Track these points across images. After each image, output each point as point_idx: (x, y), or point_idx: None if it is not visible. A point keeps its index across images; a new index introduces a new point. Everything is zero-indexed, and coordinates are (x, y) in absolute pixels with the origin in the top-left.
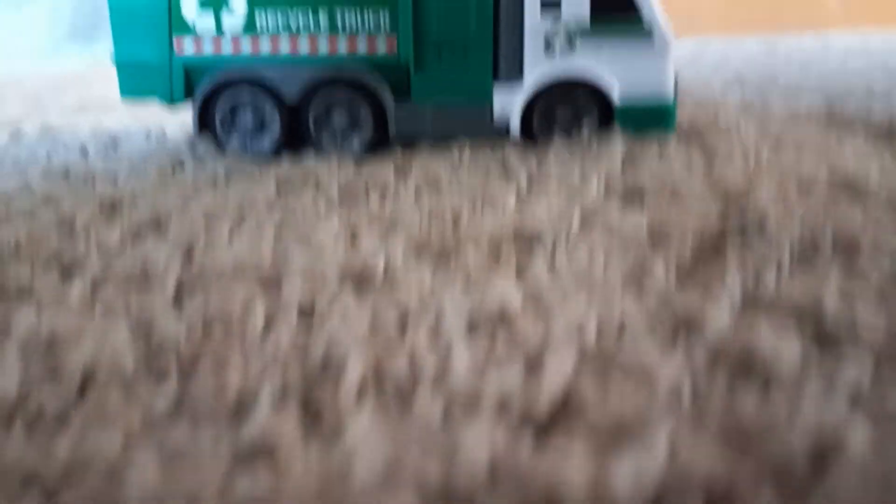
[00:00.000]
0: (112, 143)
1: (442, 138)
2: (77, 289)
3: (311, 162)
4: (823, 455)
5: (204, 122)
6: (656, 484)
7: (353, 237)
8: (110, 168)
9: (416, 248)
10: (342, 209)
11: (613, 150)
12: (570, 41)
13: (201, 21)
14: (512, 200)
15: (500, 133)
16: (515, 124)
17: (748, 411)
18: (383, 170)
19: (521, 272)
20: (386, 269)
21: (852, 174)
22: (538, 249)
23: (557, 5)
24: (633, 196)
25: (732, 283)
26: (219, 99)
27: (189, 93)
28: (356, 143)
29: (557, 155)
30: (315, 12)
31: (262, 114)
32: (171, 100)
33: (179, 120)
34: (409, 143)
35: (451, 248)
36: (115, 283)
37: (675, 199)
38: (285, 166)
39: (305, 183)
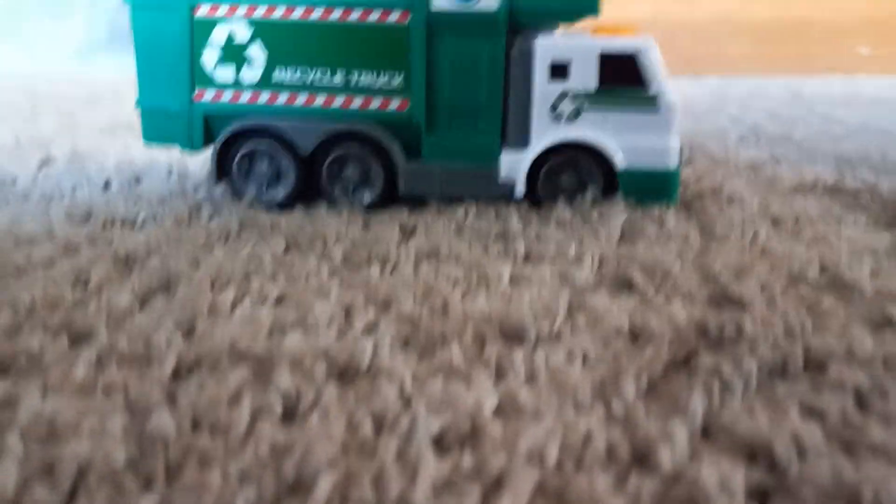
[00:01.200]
0: (135, 179)
1: (449, 197)
2: (83, 364)
3: (321, 216)
4: None
5: (222, 169)
6: None
7: (348, 316)
8: (130, 211)
9: (404, 337)
10: (343, 279)
11: (613, 221)
12: (577, 108)
13: (222, 73)
14: (507, 278)
15: (506, 194)
16: (521, 187)
17: None
18: (388, 231)
19: (500, 374)
20: (371, 362)
21: (842, 271)
22: (519, 348)
23: (565, 74)
24: (623, 282)
25: (694, 411)
26: (237, 148)
27: (208, 140)
28: (367, 197)
29: (558, 223)
30: (332, 72)
31: (277, 164)
32: (191, 147)
33: (202, 156)
34: (418, 198)
35: (437, 339)
36: (119, 359)
37: (663, 289)
38: (296, 220)
39: (312, 242)
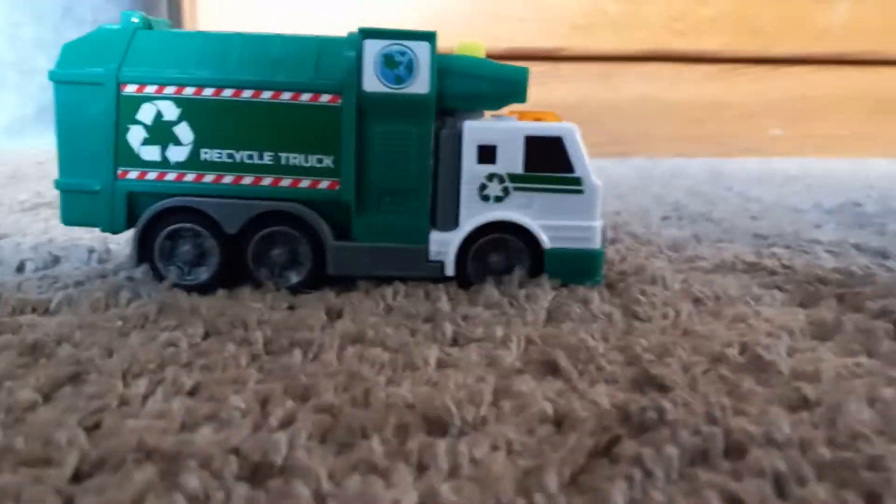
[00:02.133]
0: (52, 260)
1: (379, 277)
2: None
3: (244, 298)
4: None
5: (144, 250)
6: None
7: (264, 408)
8: (44, 295)
9: (322, 430)
10: (262, 367)
11: (539, 302)
12: (504, 190)
13: (147, 152)
14: (433, 362)
15: (436, 274)
16: (450, 266)
17: None
18: (314, 314)
19: (421, 468)
20: (286, 459)
21: (761, 351)
22: (442, 439)
23: (493, 157)
24: (548, 365)
25: (614, 497)
26: (160, 228)
27: (131, 222)
28: (293, 278)
29: (487, 303)
30: (261, 152)
31: (201, 244)
32: (112, 228)
33: (124, 237)
34: (346, 279)
35: (357, 431)
36: (15, 461)
37: (588, 372)
38: (218, 303)
39: (233, 327)
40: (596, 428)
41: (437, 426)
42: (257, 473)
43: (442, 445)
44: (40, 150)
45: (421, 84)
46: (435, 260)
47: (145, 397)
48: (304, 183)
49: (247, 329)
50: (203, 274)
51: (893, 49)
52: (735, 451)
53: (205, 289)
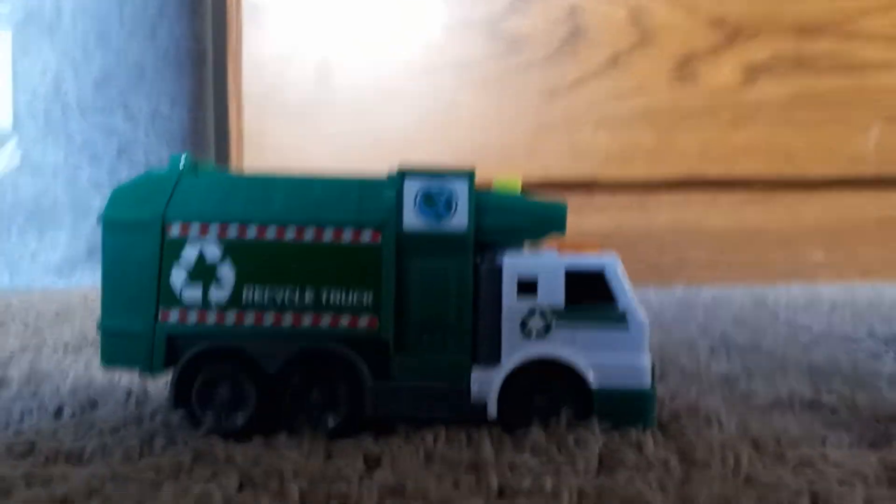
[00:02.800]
0: (90, 405)
1: (419, 419)
2: None
3: (280, 446)
4: None
5: (181, 394)
6: None
7: None
8: (78, 443)
9: None
10: None
11: (590, 448)
12: (547, 325)
13: (189, 293)
14: None
15: (478, 415)
16: (492, 407)
17: None
18: (351, 463)
19: None
20: None
21: (834, 501)
22: None
23: (534, 291)
24: None
25: None
26: (198, 371)
27: (169, 363)
28: (331, 421)
29: (533, 449)
30: (302, 290)
31: (239, 388)
32: (150, 369)
33: (163, 380)
34: (385, 423)
35: None
36: None
37: None
38: (253, 451)
39: (268, 478)
40: None
41: None
42: None
43: None
44: (89, 287)
45: (460, 220)
46: (477, 399)
47: None
48: (344, 321)
49: (282, 481)
50: (240, 418)
51: None
52: None
53: (241, 435)
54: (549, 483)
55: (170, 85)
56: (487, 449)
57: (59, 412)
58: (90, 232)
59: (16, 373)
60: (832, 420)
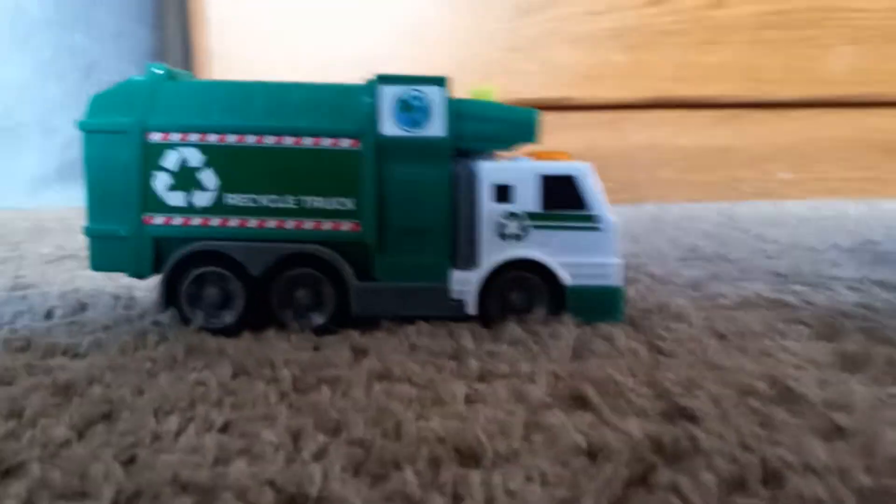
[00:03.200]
0: (79, 307)
1: (402, 317)
2: (12, 502)
3: (270, 340)
4: None
5: (170, 295)
6: None
7: (296, 442)
8: (73, 339)
9: (356, 463)
10: (291, 404)
11: (564, 339)
12: (522, 229)
13: (173, 198)
14: (461, 397)
15: (458, 312)
16: (472, 305)
17: None
18: (339, 353)
19: (456, 499)
20: (320, 491)
21: (791, 384)
22: (476, 471)
23: (510, 196)
24: (577, 400)
25: None
26: (186, 273)
27: (157, 268)
28: (317, 319)
29: (511, 341)
30: (284, 196)
31: (226, 288)
32: (139, 273)
33: (148, 281)
34: (370, 321)
35: (390, 463)
36: (52, 495)
37: (618, 405)
38: (244, 345)
39: (260, 367)
40: (630, 458)
41: (469, 459)
42: None
43: (476, 477)
44: (62, 207)
45: (437, 127)
46: (456, 299)
47: (177, 434)
48: (327, 225)
49: (274, 368)
50: (228, 317)
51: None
52: (773, 479)
53: (230, 332)
54: (525, 368)
55: (134, 5)
56: (468, 340)
57: (49, 314)
58: (59, 151)
59: (2, 282)
60: (792, 317)
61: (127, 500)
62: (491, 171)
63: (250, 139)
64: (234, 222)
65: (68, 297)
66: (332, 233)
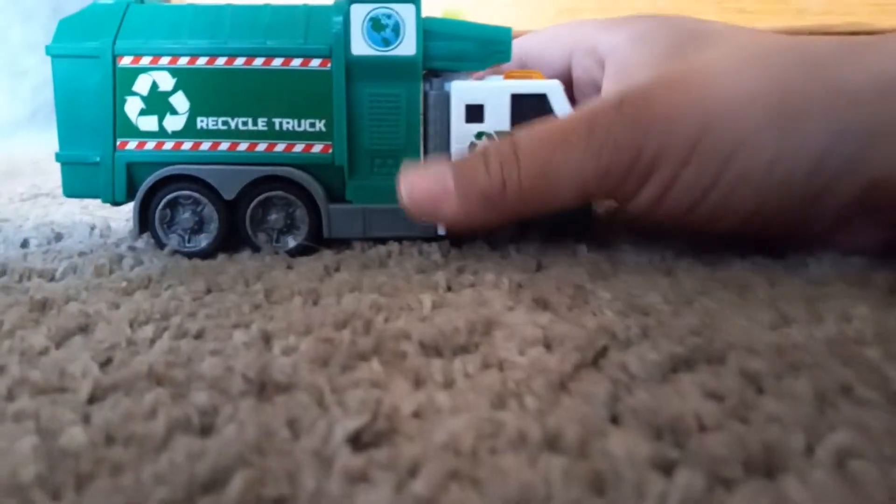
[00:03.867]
0: (55, 237)
1: (374, 238)
2: None
3: (244, 260)
4: None
5: (144, 220)
6: None
7: (267, 343)
8: (48, 266)
9: (324, 357)
10: (264, 314)
11: (529, 255)
12: None
13: (145, 122)
14: (428, 304)
15: (429, 232)
16: (442, 226)
17: None
18: (312, 270)
19: (418, 383)
20: (289, 378)
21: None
22: (438, 359)
23: (481, 116)
24: (539, 303)
25: (601, 398)
26: (159, 197)
27: (131, 194)
28: (291, 242)
29: (478, 257)
30: (255, 118)
31: (200, 212)
32: (113, 199)
33: (125, 212)
34: (342, 242)
35: (357, 356)
36: (32, 390)
37: (577, 307)
38: (218, 264)
39: (234, 283)
40: (583, 344)
41: (432, 350)
42: (263, 391)
43: (437, 364)
44: (34, 149)
45: (408, 46)
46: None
47: (152, 341)
48: (299, 147)
49: (247, 284)
50: (203, 241)
51: (869, 21)
52: (716, 359)
53: (206, 255)
54: (490, 277)
55: None
56: (437, 257)
57: (25, 244)
58: (29, 94)
59: None
60: None
61: (103, 393)
62: (462, 90)
63: (220, 61)
64: (206, 146)
65: (43, 228)
66: (303, 155)
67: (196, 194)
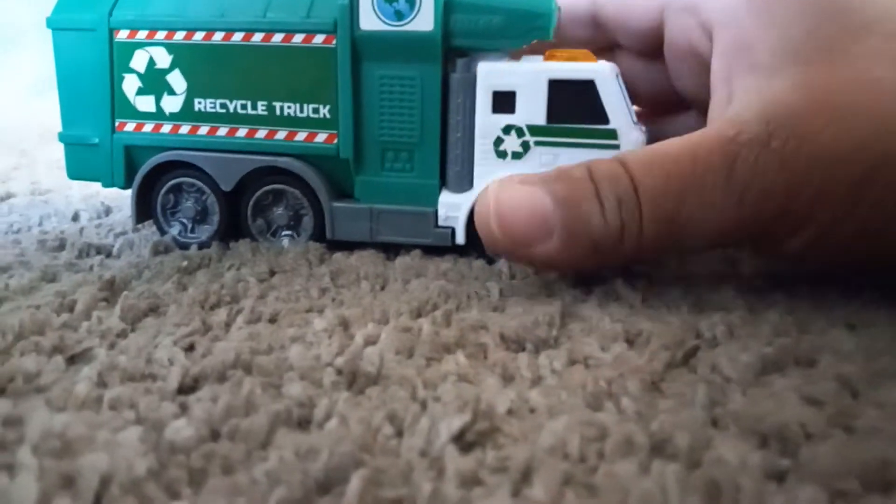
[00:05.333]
0: (104, 210)
1: (382, 243)
2: (84, 382)
3: (302, 242)
4: None
5: (143, 209)
6: None
7: (346, 330)
8: (104, 241)
9: (408, 348)
10: (334, 298)
11: None
12: (524, 145)
13: (143, 102)
14: (496, 292)
15: (445, 241)
16: (461, 233)
17: None
18: (373, 255)
19: (506, 378)
20: (379, 371)
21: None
22: (522, 354)
23: (512, 105)
24: (609, 294)
25: (700, 401)
26: (158, 184)
27: (131, 178)
28: (285, 241)
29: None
30: (255, 101)
31: (205, 202)
32: (112, 183)
33: None
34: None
35: (440, 348)
36: (122, 376)
37: (649, 300)
38: (275, 247)
39: (297, 265)
40: (670, 343)
41: (513, 343)
42: (354, 382)
43: (523, 359)
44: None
45: (424, 20)
46: (444, 226)
47: (227, 325)
48: (301, 136)
49: (311, 266)
50: (205, 233)
51: None
52: (805, 361)
53: (207, 246)
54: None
55: None
56: (475, 263)
57: (76, 217)
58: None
59: (18, 187)
60: None
61: (192, 382)
62: (490, 73)
63: (218, 36)
64: (204, 130)
65: (91, 200)
66: (305, 145)
67: (198, 182)
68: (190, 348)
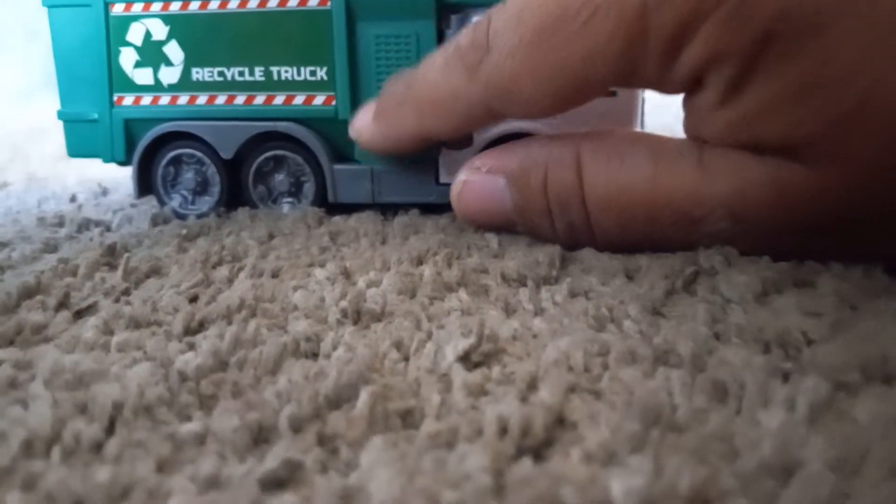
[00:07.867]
0: (101, 192)
1: (384, 204)
2: (91, 330)
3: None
4: (787, 468)
5: (145, 183)
6: (644, 497)
7: (349, 278)
8: (102, 217)
9: (410, 289)
10: (335, 254)
11: None
12: None
13: (140, 75)
14: (495, 243)
15: (447, 198)
16: None
17: (721, 428)
18: (371, 216)
19: (509, 311)
20: (383, 308)
21: None
22: (523, 290)
23: None
24: None
25: (701, 316)
26: (159, 157)
27: (131, 153)
28: (285, 207)
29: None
30: (252, 67)
31: (204, 173)
32: (112, 158)
33: None
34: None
35: (442, 287)
36: (128, 324)
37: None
38: (274, 214)
39: (296, 228)
40: (670, 273)
41: (515, 282)
42: (359, 319)
43: (524, 293)
44: (53, 111)
45: None
46: (445, 183)
47: (230, 280)
48: (299, 99)
49: (310, 229)
50: (206, 205)
51: None
52: (804, 283)
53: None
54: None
55: None
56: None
57: (73, 198)
58: (45, 57)
59: (15, 177)
60: None
61: (199, 325)
62: None
63: (213, 5)
64: (202, 99)
65: (88, 183)
66: (304, 108)
67: (198, 153)
68: (194, 299)
